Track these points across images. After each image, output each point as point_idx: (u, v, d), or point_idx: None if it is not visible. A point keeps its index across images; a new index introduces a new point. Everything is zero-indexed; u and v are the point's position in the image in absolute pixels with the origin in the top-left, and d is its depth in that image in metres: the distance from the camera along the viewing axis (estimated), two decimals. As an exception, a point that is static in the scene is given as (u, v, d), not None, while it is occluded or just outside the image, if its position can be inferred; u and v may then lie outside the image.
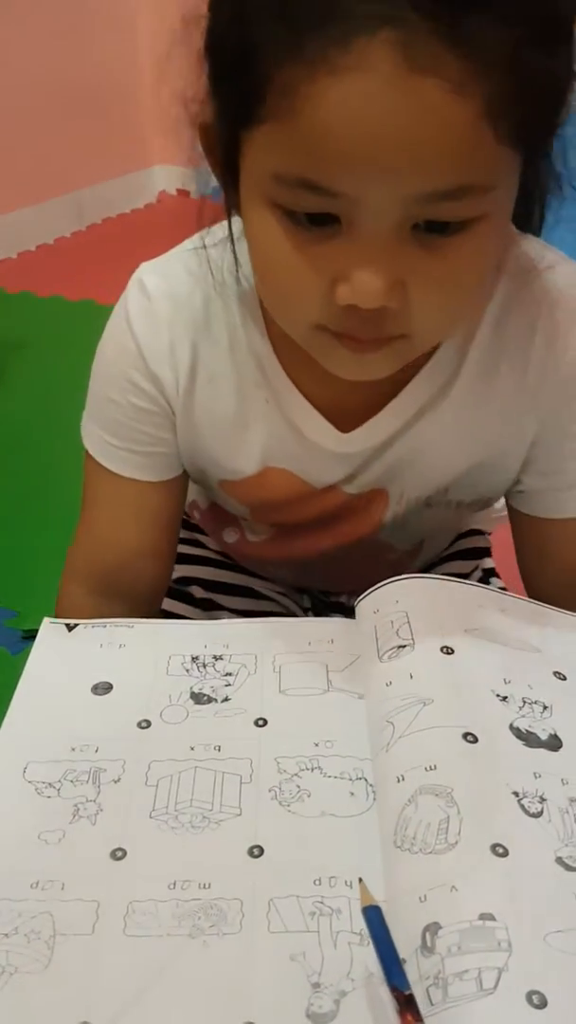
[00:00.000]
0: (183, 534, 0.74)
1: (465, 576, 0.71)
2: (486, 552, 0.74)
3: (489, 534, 0.76)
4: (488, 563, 0.76)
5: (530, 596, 0.67)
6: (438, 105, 0.37)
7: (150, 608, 0.67)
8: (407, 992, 0.38)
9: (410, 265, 0.43)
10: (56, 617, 0.63)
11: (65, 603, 0.66)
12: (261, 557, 0.70)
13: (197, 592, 0.69)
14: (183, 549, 0.73)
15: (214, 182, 0.54)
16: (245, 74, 0.40)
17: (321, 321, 0.46)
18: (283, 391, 0.58)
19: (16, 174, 2.49)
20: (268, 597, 0.71)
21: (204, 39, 0.43)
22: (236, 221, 0.51)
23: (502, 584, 0.75)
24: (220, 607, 0.69)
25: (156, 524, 0.64)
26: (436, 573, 0.69)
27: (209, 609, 0.68)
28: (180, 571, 0.71)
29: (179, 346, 0.58)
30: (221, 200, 0.52)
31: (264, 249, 0.46)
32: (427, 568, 0.72)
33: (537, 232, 0.56)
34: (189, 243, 0.60)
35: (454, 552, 0.72)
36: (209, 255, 0.56)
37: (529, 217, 0.54)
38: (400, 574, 0.64)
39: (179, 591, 0.70)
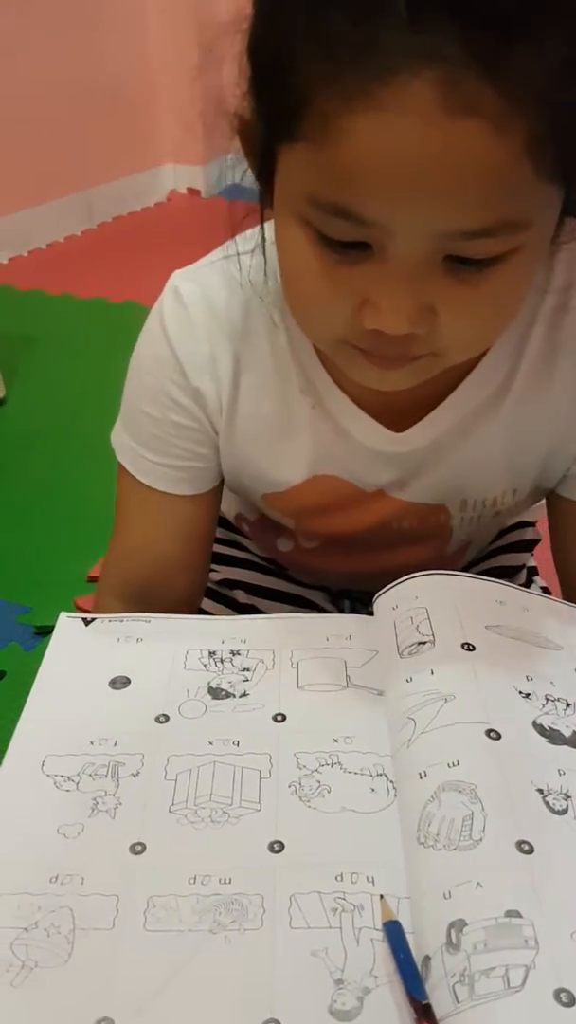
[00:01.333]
0: (228, 536, 0.73)
1: (516, 570, 0.70)
2: (535, 544, 0.72)
3: (534, 524, 0.74)
4: (530, 560, 0.75)
5: (563, 583, 0.66)
6: (478, 145, 0.37)
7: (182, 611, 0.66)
8: (424, 1002, 0.38)
9: (440, 292, 0.42)
10: None
11: (99, 613, 0.65)
12: (319, 566, 0.67)
13: (240, 597, 0.67)
14: (228, 551, 0.72)
15: (225, 182, 0.53)
16: (284, 90, 0.40)
17: (346, 338, 0.46)
18: (329, 395, 0.57)
19: (27, 172, 2.49)
20: (313, 603, 0.69)
21: (248, 41, 0.42)
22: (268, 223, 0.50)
23: (543, 584, 0.74)
24: (262, 613, 0.67)
25: (190, 537, 0.63)
26: (486, 568, 0.69)
27: (248, 613, 0.68)
28: (224, 573, 0.70)
29: (221, 357, 0.56)
30: (235, 204, 0.51)
31: (293, 263, 0.45)
32: (477, 563, 0.70)
33: None
34: (220, 251, 0.58)
35: (504, 545, 0.71)
36: (242, 262, 0.55)
37: None
38: (452, 564, 0.64)
39: (222, 594, 0.69)
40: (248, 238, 0.54)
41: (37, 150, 2.49)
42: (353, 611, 0.76)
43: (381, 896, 0.44)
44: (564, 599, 0.67)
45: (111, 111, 2.69)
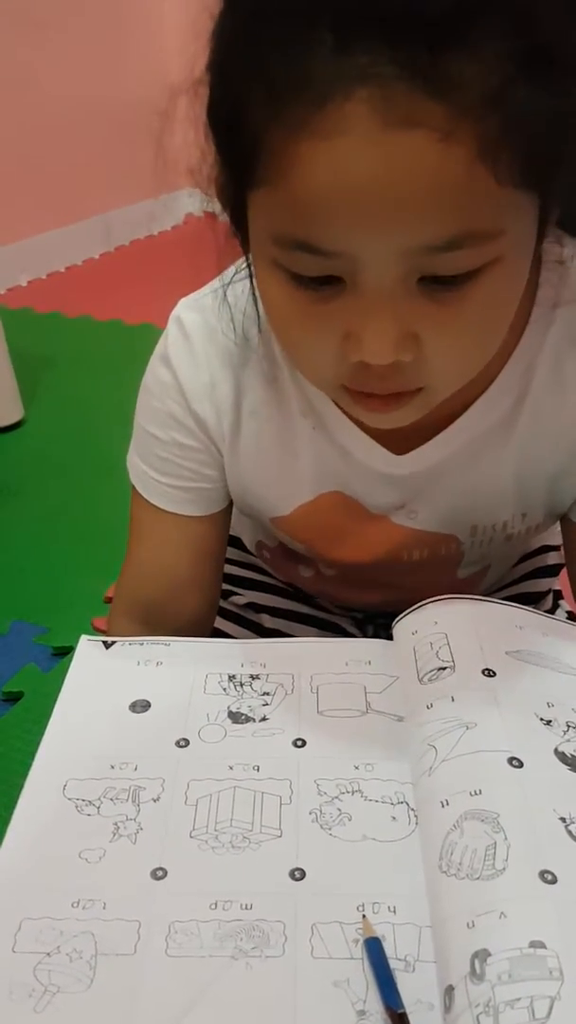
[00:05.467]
0: (253, 560, 0.74)
1: (541, 595, 0.69)
2: (560, 568, 0.71)
3: (558, 548, 0.73)
4: (556, 584, 0.74)
5: None
6: (425, 156, 0.36)
7: (196, 636, 0.66)
8: (400, 1011, 0.39)
9: (420, 317, 0.41)
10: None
11: (113, 634, 0.67)
12: (340, 595, 0.67)
13: (266, 621, 0.67)
14: (253, 575, 0.72)
15: None
16: (238, 136, 0.40)
17: (338, 380, 0.46)
18: (329, 417, 0.57)
19: (47, 196, 2.53)
20: (340, 627, 0.69)
21: (206, 103, 0.43)
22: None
23: (569, 608, 0.74)
24: (288, 635, 0.67)
25: (199, 557, 0.64)
26: (510, 595, 0.68)
27: (274, 637, 0.67)
28: (249, 597, 0.70)
29: (220, 383, 0.57)
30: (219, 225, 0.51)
31: (274, 309, 0.45)
32: (501, 589, 0.70)
33: None
34: (220, 280, 0.59)
35: (528, 572, 0.70)
36: (234, 293, 0.56)
37: None
38: (469, 588, 0.64)
39: (247, 619, 0.69)
40: (242, 267, 0.55)
41: (56, 174, 2.52)
42: (377, 635, 0.76)
43: (364, 915, 0.44)
44: None
45: (129, 136, 2.73)
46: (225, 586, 0.71)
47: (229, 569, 0.72)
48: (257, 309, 0.52)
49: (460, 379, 0.47)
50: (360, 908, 0.45)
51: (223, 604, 0.71)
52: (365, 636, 0.72)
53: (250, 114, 0.39)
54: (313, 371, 0.47)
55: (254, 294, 0.50)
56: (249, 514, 0.64)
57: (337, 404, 0.56)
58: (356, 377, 0.44)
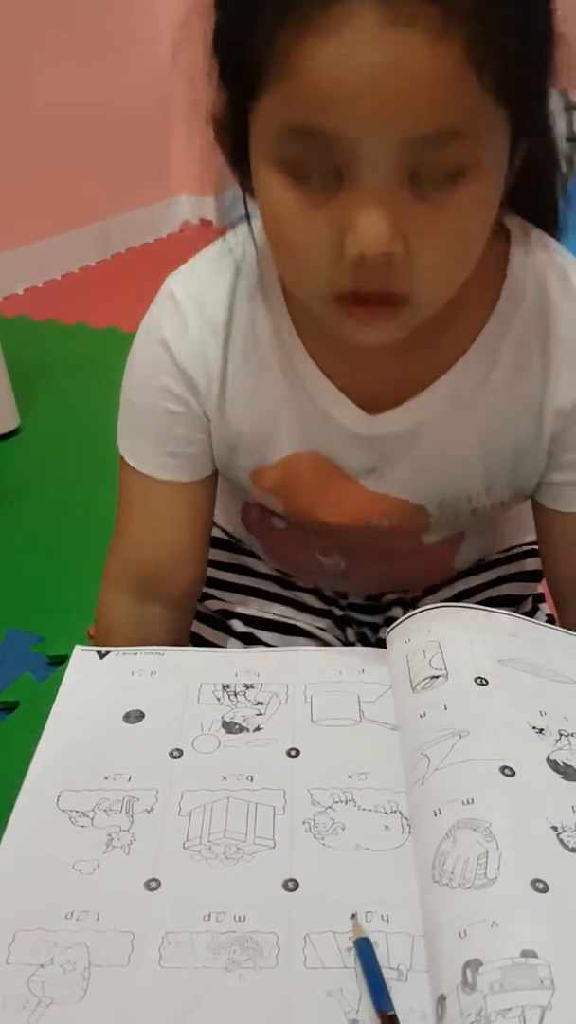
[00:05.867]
0: (232, 559, 0.75)
1: (522, 599, 0.70)
2: (540, 575, 0.72)
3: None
4: (538, 587, 0.75)
5: (552, 590, 0.68)
6: (420, 52, 0.40)
7: (186, 610, 0.68)
8: (390, 1013, 0.39)
9: (409, 217, 0.44)
10: (96, 625, 0.65)
11: (105, 610, 0.68)
12: (308, 557, 0.69)
13: (237, 626, 0.68)
14: (227, 576, 0.73)
15: (236, 213, 0.57)
16: (246, 52, 0.44)
17: (332, 283, 0.48)
18: (309, 376, 0.59)
19: (43, 204, 2.53)
20: (312, 635, 0.70)
21: (212, 32, 0.47)
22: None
23: (549, 612, 0.74)
24: (260, 642, 0.68)
25: (190, 524, 0.66)
26: (493, 595, 0.69)
27: (249, 643, 0.68)
28: (222, 602, 0.71)
29: (210, 343, 0.60)
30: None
31: (274, 212, 0.48)
32: (484, 589, 0.71)
33: (557, 234, 0.58)
34: (212, 246, 0.62)
35: (512, 574, 0.72)
36: (231, 245, 0.59)
37: (544, 216, 0.57)
38: (442, 564, 0.66)
39: (221, 622, 0.70)
40: (237, 235, 0.59)
41: (52, 182, 2.52)
42: (360, 638, 0.76)
43: (353, 915, 0.44)
44: (554, 606, 0.68)
45: (126, 143, 2.73)
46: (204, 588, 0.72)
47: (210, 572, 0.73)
48: (255, 241, 0.55)
49: (440, 289, 0.49)
50: (353, 917, 0.45)
51: (198, 607, 0.71)
52: (343, 642, 0.72)
53: (260, 21, 0.43)
54: (308, 279, 0.49)
55: (252, 235, 0.55)
56: (232, 475, 0.65)
57: (314, 361, 0.59)
58: (350, 277, 0.46)
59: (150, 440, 0.64)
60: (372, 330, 0.51)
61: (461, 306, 0.54)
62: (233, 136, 0.49)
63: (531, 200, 0.56)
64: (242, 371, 0.60)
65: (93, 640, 0.91)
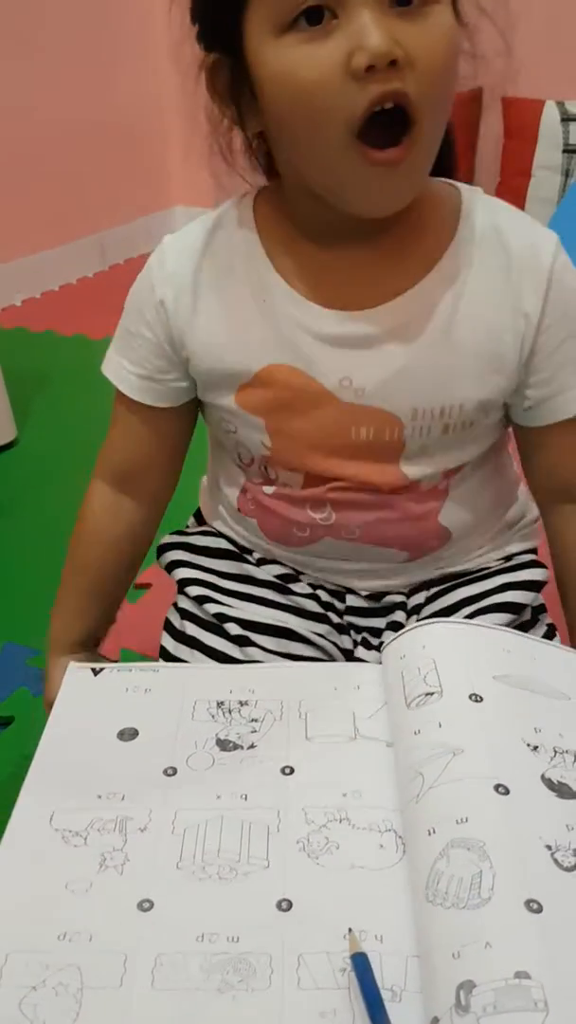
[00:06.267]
0: (235, 568, 0.76)
1: (523, 607, 0.71)
2: (543, 585, 0.74)
3: (545, 566, 0.76)
4: (539, 598, 0.76)
5: (538, 503, 0.74)
6: None
7: (156, 509, 0.77)
8: None
9: (399, 31, 0.52)
10: (80, 509, 0.76)
11: (90, 495, 0.77)
12: (300, 515, 0.72)
13: (233, 629, 0.69)
14: (230, 585, 0.74)
15: None
16: None
17: (349, 113, 0.53)
18: (276, 287, 0.65)
19: (40, 216, 2.53)
20: (309, 640, 0.71)
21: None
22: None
23: (550, 621, 0.75)
24: (256, 646, 0.69)
25: (164, 444, 0.74)
26: (495, 601, 0.69)
27: (243, 646, 0.69)
28: (225, 602, 0.72)
29: (181, 271, 0.67)
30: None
31: (286, 66, 0.54)
32: (485, 596, 0.71)
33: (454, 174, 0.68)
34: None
35: (515, 582, 0.72)
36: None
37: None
38: (429, 525, 0.69)
39: (217, 627, 0.70)
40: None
41: (49, 194, 2.53)
42: (360, 646, 0.76)
43: (350, 929, 0.44)
44: (541, 518, 0.74)
45: (123, 155, 2.74)
46: (199, 590, 0.73)
47: (205, 576, 0.75)
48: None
49: (437, 98, 0.55)
50: (346, 937, 0.45)
51: (197, 612, 0.72)
52: (339, 647, 0.72)
53: None
54: (326, 123, 0.54)
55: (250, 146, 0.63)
56: (215, 392, 0.70)
57: (285, 280, 0.64)
58: (363, 94, 0.52)
59: (131, 361, 0.71)
60: (387, 174, 0.55)
61: (422, 228, 0.63)
62: (228, 78, 0.58)
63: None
64: (214, 289, 0.66)
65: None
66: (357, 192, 0.57)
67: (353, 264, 0.62)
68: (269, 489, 0.72)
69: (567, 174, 2.25)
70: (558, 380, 0.66)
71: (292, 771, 0.54)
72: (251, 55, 0.56)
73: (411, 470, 0.68)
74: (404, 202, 0.59)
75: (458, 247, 0.64)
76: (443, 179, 0.66)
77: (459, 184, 0.67)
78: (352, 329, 0.64)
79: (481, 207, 0.65)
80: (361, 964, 0.43)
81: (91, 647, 0.76)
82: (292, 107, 0.55)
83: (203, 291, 0.66)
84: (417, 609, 0.73)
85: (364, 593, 0.75)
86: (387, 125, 0.54)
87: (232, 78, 0.58)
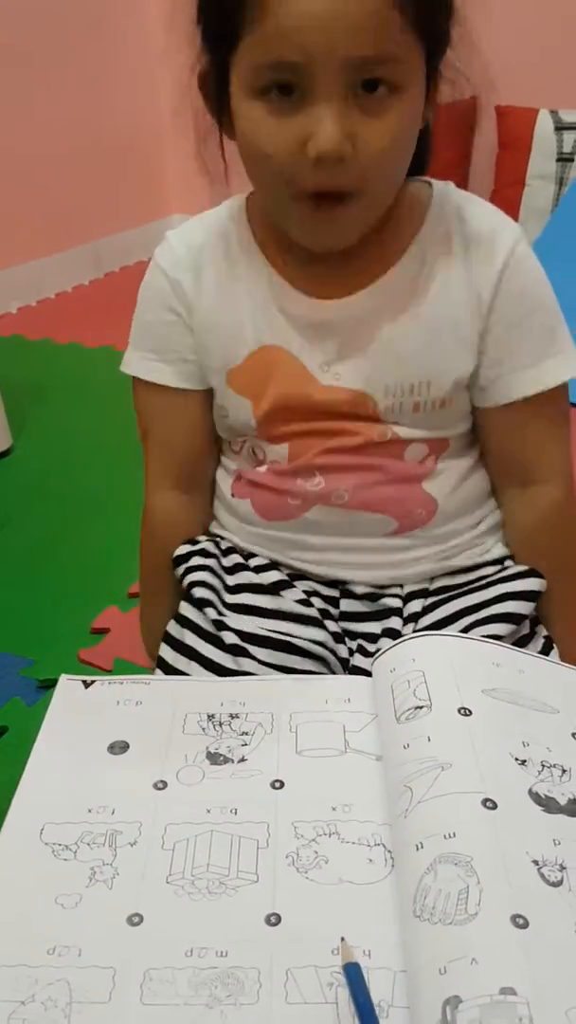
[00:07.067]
0: (233, 562, 0.77)
1: (522, 617, 0.71)
2: (540, 595, 0.74)
3: (543, 576, 0.76)
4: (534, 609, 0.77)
5: (494, 490, 0.77)
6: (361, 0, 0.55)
7: (211, 493, 0.81)
8: None
9: (356, 125, 0.57)
10: (145, 529, 0.80)
11: (156, 513, 0.80)
12: (291, 485, 0.74)
13: (228, 638, 0.70)
14: (230, 587, 0.75)
15: None
16: (226, 11, 0.58)
17: (297, 183, 0.59)
18: (266, 276, 0.70)
19: (36, 224, 2.54)
20: (305, 651, 0.71)
21: (197, 8, 0.61)
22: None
23: (547, 633, 0.75)
24: (252, 658, 0.69)
25: (204, 428, 0.77)
26: (495, 612, 0.70)
27: (238, 655, 0.69)
28: (223, 611, 0.72)
29: (189, 256, 0.72)
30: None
31: (252, 131, 0.60)
32: (485, 606, 0.72)
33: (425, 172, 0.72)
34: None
35: (513, 592, 0.73)
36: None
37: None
38: (419, 492, 0.72)
39: (213, 635, 0.71)
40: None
41: (46, 202, 2.53)
42: (355, 652, 0.76)
43: (343, 939, 0.44)
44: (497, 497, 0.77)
45: (119, 164, 2.75)
46: (204, 592, 0.73)
47: (212, 579, 0.75)
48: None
49: (383, 183, 0.62)
50: (335, 952, 0.45)
51: (197, 619, 0.72)
52: (336, 656, 0.72)
53: None
54: (277, 182, 0.61)
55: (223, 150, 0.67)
56: (211, 373, 0.74)
57: (275, 268, 0.70)
58: (310, 176, 0.58)
59: (157, 352, 0.74)
60: (330, 226, 0.62)
61: (397, 223, 0.68)
62: (215, 84, 0.63)
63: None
64: (214, 276, 0.72)
65: (85, 665, 0.91)
66: (303, 234, 0.65)
67: (332, 257, 0.67)
68: (262, 468, 0.76)
69: (561, 183, 2.26)
70: (508, 362, 0.70)
71: (282, 785, 0.55)
72: (232, 89, 0.61)
73: (390, 429, 0.72)
74: (347, 243, 0.65)
75: (425, 233, 0.69)
76: (420, 178, 0.71)
77: (434, 181, 0.72)
78: (332, 316, 0.69)
79: (449, 197, 0.70)
80: (354, 974, 0.43)
81: None
82: (251, 157, 0.62)
83: (205, 277, 0.72)
84: (414, 617, 0.73)
85: (360, 592, 0.75)
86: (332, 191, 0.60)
87: (219, 92, 0.63)
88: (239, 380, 0.73)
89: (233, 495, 0.78)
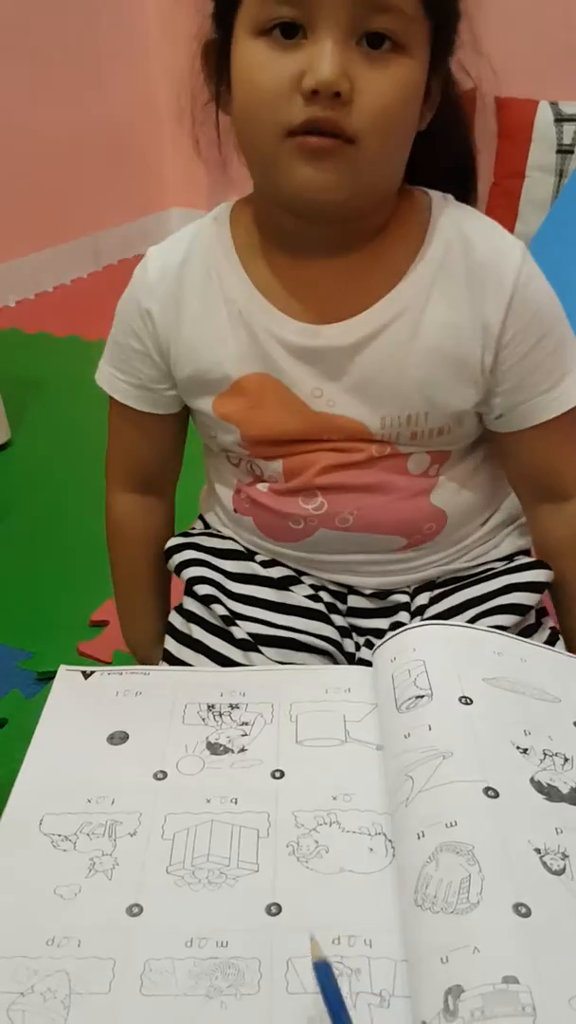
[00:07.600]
0: (242, 568, 0.76)
1: (527, 608, 0.71)
2: (547, 586, 0.73)
3: (550, 567, 0.75)
4: (542, 602, 0.76)
5: (522, 505, 0.75)
6: None
7: (173, 497, 0.82)
8: None
9: (355, 66, 0.55)
10: (106, 525, 0.81)
11: (115, 508, 0.81)
12: (293, 507, 0.72)
13: (238, 633, 0.69)
14: (236, 587, 0.74)
15: None
16: None
17: (290, 118, 0.56)
18: (253, 302, 0.67)
19: (34, 217, 2.53)
20: (313, 648, 0.70)
21: None
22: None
23: (553, 624, 0.75)
24: (260, 653, 0.69)
25: (163, 446, 0.78)
26: (501, 603, 0.69)
27: (248, 649, 0.68)
28: (232, 607, 0.72)
29: (165, 281, 0.69)
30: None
31: (250, 65, 0.58)
32: (491, 597, 0.71)
33: (473, 202, 0.70)
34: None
35: (519, 583, 0.72)
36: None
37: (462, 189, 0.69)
38: (423, 505, 0.70)
39: (221, 629, 0.70)
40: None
41: (44, 195, 2.53)
42: (362, 647, 0.75)
43: (312, 937, 0.43)
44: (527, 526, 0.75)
45: (117, 157, 2.74)
46: (208, 589, 0.73)
47: (213, 575, 0.74)
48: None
49: (378, 138, 0.57)
50: (336, 942, 0.45)
51: (204, 614, 0.71)
52: (342, 651, 0.72)
53: None
54: (269, 117, 0.57)
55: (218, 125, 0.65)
56: (201, 411, 0.72)
57: (258, 289, 0.66)
58: (303, 110, 0.55)
59: (122, 372, 0.73)
60: (319, 173, 0.57)
61: (392, 239, 0.65)
62: (217, 61, 0.61)
63: (454, 177, 0.70)
64: (195, 299, 0.68)
65: (85, 657, 0.90)
66: (290, 181, 0.59)
67: (323, 277, 0.64)
68: (263, 487, 0.73)
69: (561, 175, 2.25)
70: (525, 389, 0.67)
71: (282, 775, 0.54)
72: (233, 45, 0.59)
73: (386, 449, 0.69)
74: (334, 195, 0.59)
75: (425, 258, 0.65)
76: (417, 187, 0.68)
77: (431, 192, 0.68)
78: (323, 342, 0.65)
79: (448, 216, 0.66)
80: (324, 973, 0.42)
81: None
82: (245, 92, 0.59)
83: (185, 301, 0.68)
84: (421, 610, 0.73)
85: (368, 592, 0.75)
86: (322, 134, 0.56)
87: (219, 62, 0.62)
88: (225, 407, 0.70)
89: (235, 510, 0.76)
